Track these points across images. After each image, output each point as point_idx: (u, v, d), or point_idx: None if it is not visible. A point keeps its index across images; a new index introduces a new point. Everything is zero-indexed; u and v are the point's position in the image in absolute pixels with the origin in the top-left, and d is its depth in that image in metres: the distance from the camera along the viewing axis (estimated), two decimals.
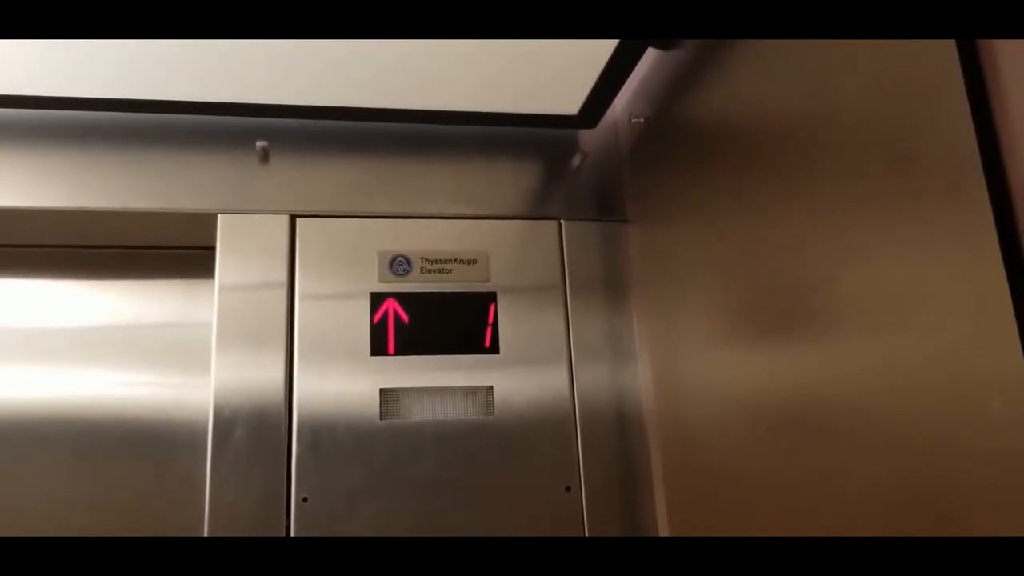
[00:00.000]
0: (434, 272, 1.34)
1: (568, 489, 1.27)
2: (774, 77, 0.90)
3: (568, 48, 1.14)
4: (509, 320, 1.33)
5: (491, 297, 1.34)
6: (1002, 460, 0.59)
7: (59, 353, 1.38)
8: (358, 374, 1.27)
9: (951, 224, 0.63)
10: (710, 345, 1.07)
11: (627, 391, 1.33)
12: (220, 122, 1.34)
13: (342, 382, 1.26)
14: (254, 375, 1.23)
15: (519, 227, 1.39)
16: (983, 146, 0.61)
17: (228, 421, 1.21)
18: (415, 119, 1.34)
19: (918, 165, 0.67)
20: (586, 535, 1.25)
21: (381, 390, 1.26)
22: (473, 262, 1.35)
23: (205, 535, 1.16)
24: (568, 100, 1.31)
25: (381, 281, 1.32)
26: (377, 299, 1.31)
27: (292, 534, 1.18)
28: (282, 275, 1.29)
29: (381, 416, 1.25)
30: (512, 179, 1.42)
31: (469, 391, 1.30)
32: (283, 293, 1.28)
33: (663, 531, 1.24)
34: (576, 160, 1.41)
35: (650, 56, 1.25)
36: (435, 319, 1.32)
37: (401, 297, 1.32)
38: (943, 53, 0.64)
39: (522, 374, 1.31)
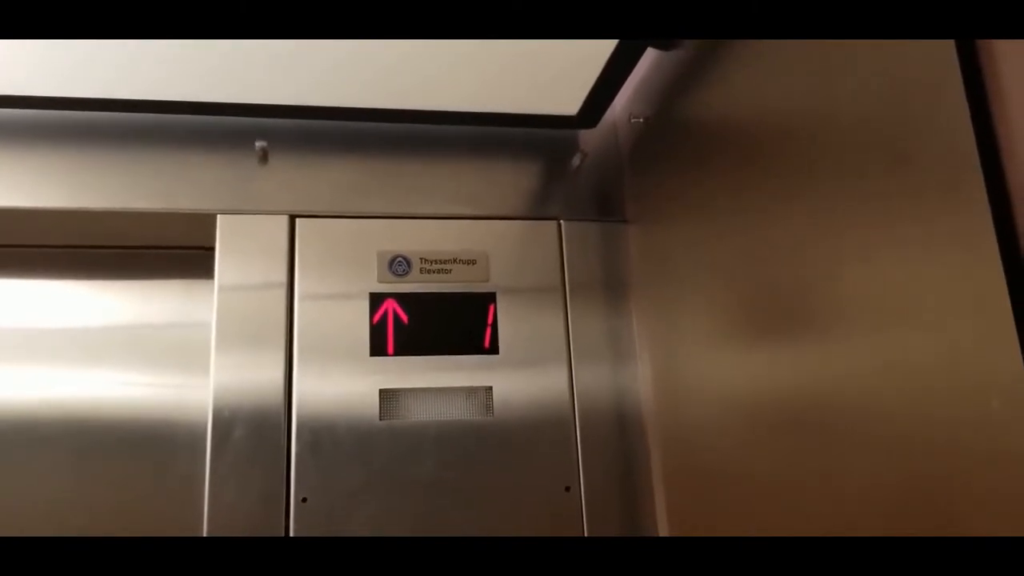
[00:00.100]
0: (433, 272, 1.34)
1: (568, 489, 1.26)
2: (773, 77, 0.91)
3: (568, 48, 1.14)
4: (509, 320, 1.33)
5: (491, 297, 1.34)
6: (1002, 460, 0.59)
7: (58, 353, 1.38)
8: (357, 374, 1.27)
9: (950, 224, 0.64)
10: (710, 345, 1.07)
11: (627, 391, 1.32)
12: (219, 122, 1.34)
13: (341, 382, 1.26)
14: (253, 375, 1.23)
15: (519, 227, 1.39)
16: (982, 146, 0.61)
17: (227, 421, 1.21)
18: (415, 119, 1.34)
19: (917, 165, 0.67)
20: (585, 536, 1.25)
21: (380, 390, 1.26)
22: (472, 262, 1.35)
23: (204, 535, 1.16)
24: (568, 100, 1.31)
25: (380, 281, 1.32)
26: (376, 299, 1.31)
27: (291, 535, 1.18)
28: (281, 275, 1.29)
29: (380, 416, 1.25)
30: (512, 179, 1.42)
31: (469, 391, 1.30)
32: (282, 293, 1.28)
33: (663, 531, 1.24)
34: (576, 160, 1.41)
35: (650, 56, 1.25)
36: (434, 319, 1.32)
37: (400, 297, 1.32)
38: (942, 53, 0.64)
39: (522, 374, 1.31)
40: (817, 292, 0.82)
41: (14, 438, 1.33)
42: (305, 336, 1.27)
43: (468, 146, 1.41)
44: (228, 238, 1.30)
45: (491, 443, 1.27)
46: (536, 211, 1.40)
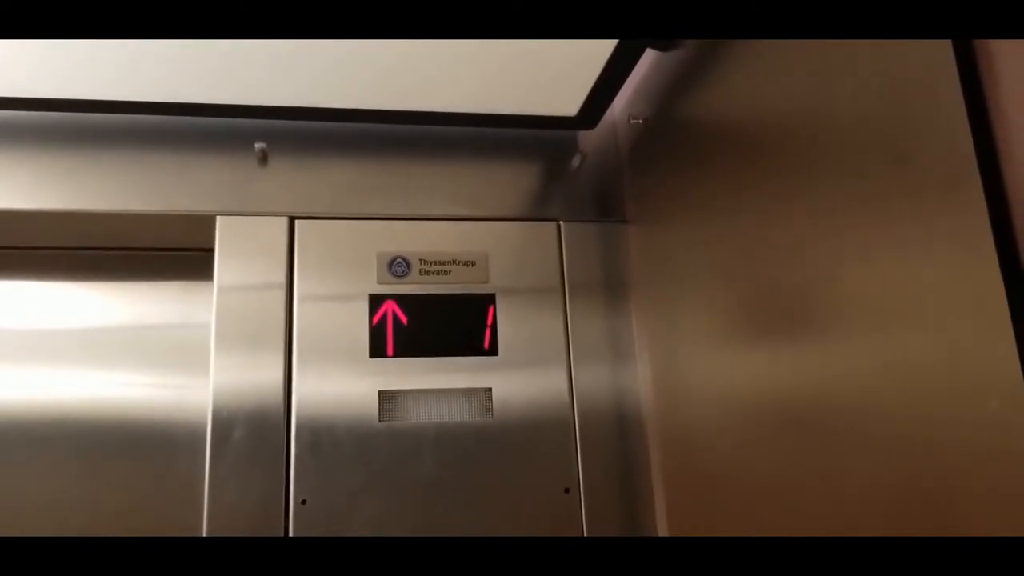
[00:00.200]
0: (433, 274, 1.34)
1: (567, 491, 1.26)
2: (773, 77, 0.91)
3: (567, 48, 1.14)
4: (508, 321, 1.33)
5: (490, 299, 1.34)
6: (1001, 460, 0.59)
7: (58, 354, 1.38)
8: (357, 376, 1.26)
9: (950, 224, 0.64)
10: (710, 345, 1.07)
11: (626, 392, 1.32)
12: (219, 124, 1.34)
13: (341, 384, 1.26)
14: (253, 376, 1.23)
15: (518, 228, 1.39)
16: (979, 146, 0.61)
17: (227, 422, 1.20)
18: (414, 120, 1.34)
19: (917, 165, 0.67)
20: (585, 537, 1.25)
21: (380, 392, 1.26)
22: (472, 263, 1.35)
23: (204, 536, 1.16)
24: (567, 101, 1.31)
25: (380, 283, 1.32)
26: (376, 300, 1.31)
27: (291, 536, 1.18)
28: (281, 277, 1.29)
29: (380, 418, 1.25)
30: (511, 180, 1.42)
31: (468, 393, 1.29)
32: (282, 295, 1.28)
33: (663, 531, 1.24)
34: (575, 161, 1.41)
35: (649, 57, 1.25)
36: (434, 321, 1.32)
37: (400, 299, 1.31)
38: (940, 53, 0.64)
39: (521, 376, 1.31)
40: (817, 292, 0.82)
41: (15, 438, 1.33)
42: (304, 337, 1.27)
43: (468, 147, 1.41)
44: (228, 239, 1.30)
45: (490, 444, 1.27)
46: (536, 212, 1.40)
